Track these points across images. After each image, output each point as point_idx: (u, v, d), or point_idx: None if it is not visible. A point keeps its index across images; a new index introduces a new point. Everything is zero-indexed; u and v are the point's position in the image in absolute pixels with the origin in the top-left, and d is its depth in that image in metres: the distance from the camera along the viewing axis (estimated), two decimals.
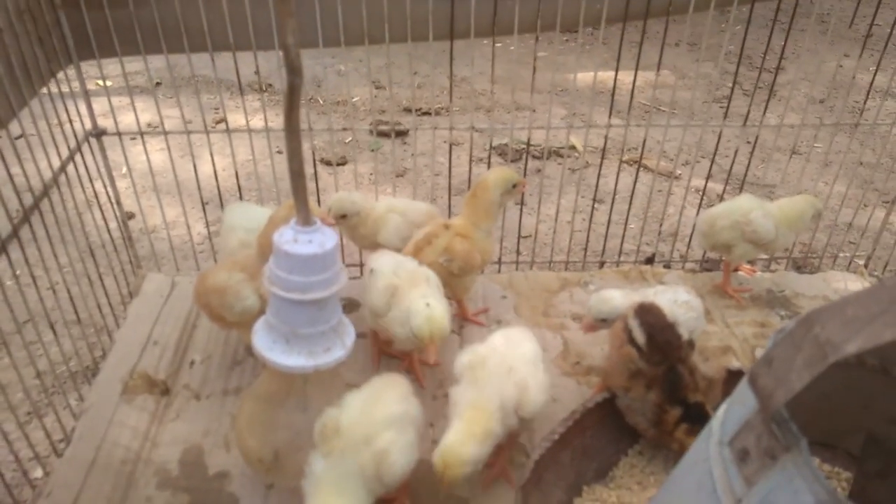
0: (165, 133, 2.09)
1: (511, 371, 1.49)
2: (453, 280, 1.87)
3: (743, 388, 1.10)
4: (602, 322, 1.75)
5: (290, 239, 1.29)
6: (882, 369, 1.29)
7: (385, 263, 1.74)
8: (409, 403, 1.45)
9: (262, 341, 1.37)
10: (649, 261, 2.51)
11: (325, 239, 1.30)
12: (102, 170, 2.13)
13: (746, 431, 1.04)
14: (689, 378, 1.56)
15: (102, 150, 2.13)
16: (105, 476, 1.59)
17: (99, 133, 2.07)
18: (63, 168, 1.86)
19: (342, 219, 1.98)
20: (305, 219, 1.29)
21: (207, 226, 2.63)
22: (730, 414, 1.12)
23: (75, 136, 1.96)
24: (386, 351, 1.93)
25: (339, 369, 1.54)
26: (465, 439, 1.40)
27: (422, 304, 1.58)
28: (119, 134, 2.08)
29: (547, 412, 1.65)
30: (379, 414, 1.38)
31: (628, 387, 1.58)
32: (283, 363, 1.34)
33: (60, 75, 1.91)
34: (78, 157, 1.96)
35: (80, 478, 1.58)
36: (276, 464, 1.47)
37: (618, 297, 1.74)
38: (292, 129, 1.19)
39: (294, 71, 1.09)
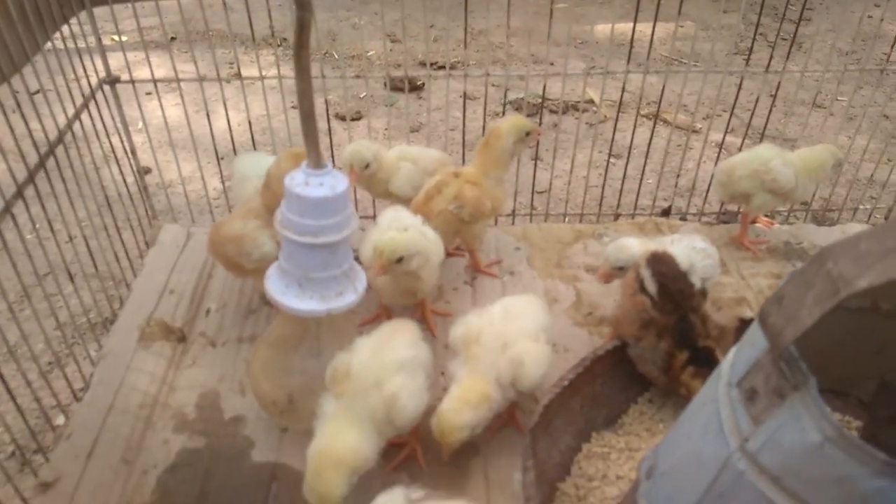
0: (179, 81, 2.08)
1: (505, 347, 1.46)
2: (464, 228, 1.87)
3: (753, 330, 1.10)
4: (619, 270, 1.74)
5: (301, 182, 1.29)
6: None
7: (383, 219, 1.72)
8: (419, 348, 1.46)
9: (275, 286, 1.39)
10: (665, 213, 2.48)
11: (336, 182, 1.30)
12: (117, 120, 2.13)
13: (756, 371, 1.04)
14: (700, 327, 1.56)
15: (116, 98, 2.12)
16: (123, 419, 1.63)
17: (113, 80, 2.06)
18: (77, 115, 1.86)
19: (366, 169, 1.93)
20: (316, 161, 1.28)
21: (223, 180, 2.65)
22: (739, 355, 1.11)
23: (89, 84, 1.96)
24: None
25: (351, 315, 1.55)
26: (459, 406, 1.41)
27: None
28: (133, 82, 2.07)
29: (557, 362, 1.66)
30: (389, 358, 1.39)
31: (640, 335, 1.58)
32: (295, 307, 1.36)
33: (76, 30, 1.90)
34: (92, 107, 1.96)
35: (100, 421, 1.62)
36: (290, 407, 1.49)
37: (635, 245, 1.72)
38: (302, 69, 1.18)
39: (303, 5, 1.08)
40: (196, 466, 1.53)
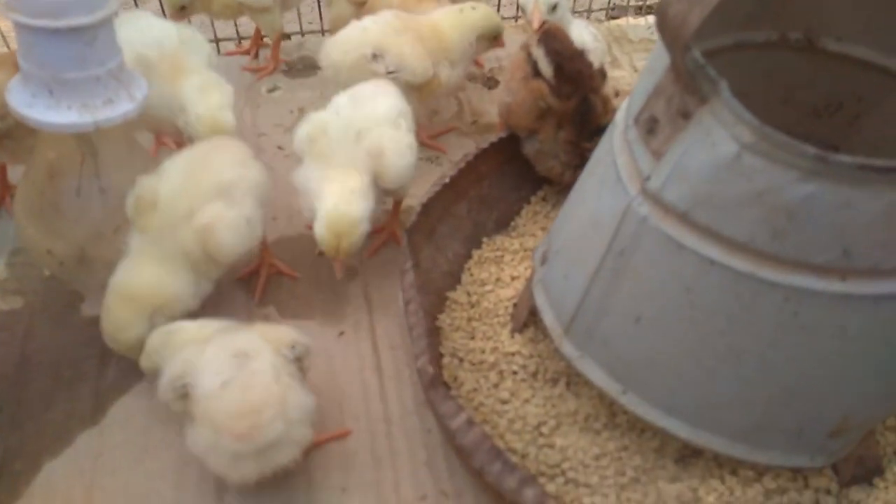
0: None
1: (360, 136, 1.20)
2: None
3: (652, 57, 0.90)
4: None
5: None
6: (807, 43, 1.11)
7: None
8: (248, 168, 1.17)
9: (20, 97, 1.04)
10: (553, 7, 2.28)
11: None
12: None
13: (655, 97, 0.84)
14: (601, 108, 1.36)
15: None
16: None
17: None
18: None
19: None
20: None
21: None
22: (636, 93, 0.92)
23: None
24: None
25: (136, 135, 1.26)
26: (347, 197, 1.15)
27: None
28: None
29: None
30: (206, 182, 1.12)
31: (536, 128, 1.37)
32: (48, 121, 1.03)
33: None
34: None
35: None
36: (80, 258, 1.18)
37: None
38: None
39: None
40: (14, 329, 1.25)
